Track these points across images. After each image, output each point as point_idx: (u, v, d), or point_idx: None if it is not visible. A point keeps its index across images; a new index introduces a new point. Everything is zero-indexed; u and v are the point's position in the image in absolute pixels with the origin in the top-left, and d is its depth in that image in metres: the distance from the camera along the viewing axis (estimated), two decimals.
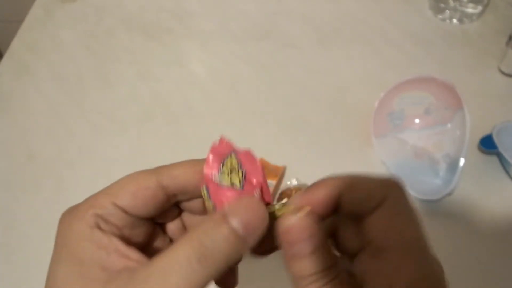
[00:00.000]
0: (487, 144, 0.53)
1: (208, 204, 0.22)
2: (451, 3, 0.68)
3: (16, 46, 0.77)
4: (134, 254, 0.21)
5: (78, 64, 0.73)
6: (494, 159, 0.54)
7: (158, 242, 0.25)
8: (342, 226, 0.24)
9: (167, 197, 0.23)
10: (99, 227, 0.21)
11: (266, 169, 0.55)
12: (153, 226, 0.25)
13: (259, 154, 0.62)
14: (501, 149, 0.51)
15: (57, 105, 0.68)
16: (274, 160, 0.56)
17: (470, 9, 0.68)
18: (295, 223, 0.21)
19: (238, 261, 0.21)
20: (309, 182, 0.57)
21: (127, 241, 0.22)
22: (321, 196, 0.22)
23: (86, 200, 0.23)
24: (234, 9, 0.77)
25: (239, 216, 0.20)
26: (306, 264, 0.20)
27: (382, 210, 0.21)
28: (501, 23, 0.68)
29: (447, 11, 0.69)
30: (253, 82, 0.67)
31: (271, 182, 0.54)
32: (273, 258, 0.50)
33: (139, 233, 0.23)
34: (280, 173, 0.55)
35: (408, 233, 0.21)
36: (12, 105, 0.69)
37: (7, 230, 0.56)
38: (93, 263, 0.20)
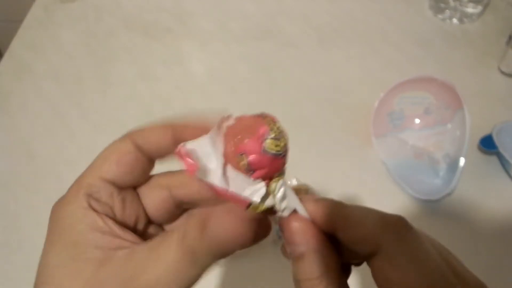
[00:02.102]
0: (487, 144, 0.53)
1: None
2: (451, 3, 0.68)
3: (16, 46, 0.77)
4: (129, 235, 0.21)
5: (78, 64, 0.73)
6: (494, 159, 0.54)
7: (151, 229, 0.25)
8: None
9: (148, 160, 0.24)
10: (92, 208, 0.21)
11: None
12: (144, 212, 0.25)
13: None
14: (501, 149, 0.51)
15: (57, 105, 0.68)
16: None
17: (470, 9, 0.68)
18: (298, 225, 0.21)
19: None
20: (309, 182, 0.58)
21: (121, 223, 0.22)
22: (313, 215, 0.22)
23: (74, 182, 0.23)
24: (234, 9, 0.77)
25: (216, 236, 0.19)
26: (308, 266, 0.20)
27: (379, 259, 0.19)
28: (501, 23, 0.68)
29: (447, 11, 0.69)
30: (253, 82, 0.67)
31: None
32: (272, 259, 0.50)
33: (130, 214, 0.23)
34: None
35: (411, 279, 0.19)
36: (12, 105, 0.69)
37: (7, 230, 0.56)
38: (88, 244, 0.20)
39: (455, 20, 0.69)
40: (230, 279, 0.48)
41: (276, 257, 0.47)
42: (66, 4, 0.82)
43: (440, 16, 0.70)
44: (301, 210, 0.22)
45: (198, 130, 0.24)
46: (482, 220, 0.50)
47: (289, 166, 0.61)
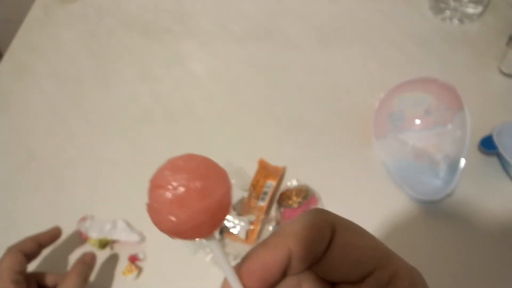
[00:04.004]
0: (487, 145, 0.53)
1: None
2: (452, 4, 0.68)
3: (16, 46, 0.77)
4: None
5: (78, 64, 0.73)
6: (494, 159, 0.54)
7: None
8: None
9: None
10: None
11: (266, 170, 0.55)
12: None
13: (259, 154, 0.63)
14: (501, 149, 0.51)
15: (57, 105, 0.68)
16: (274, 160, 0.56)
17: (470, 9, 0.68)
18: None
19: None
20: (309, 182, 0.58)
21: None
22: (262, 264, 0.18)
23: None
24: (234, 9, 0.77)
25: None
26: None
27: (341, 240, 0.18)
28: (501, 23, 0.68)
29: (447, 12, 0.69)
30: (253, 82, 0.67)
31: (271, 183, 0.53)
32: None
33: None
34: (280, 174, 0.55)
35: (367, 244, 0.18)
36: (12, 105, 0.69)
37: (7, 230, 0.56)
38: None
39: (455, 21, 0.69)
40: None
41: None
42: (66, 4, 0.82)
43: (440, 16, 0.70)
44: (232, 279, 0.18)
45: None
46: (482, 221, 0.50)
47: (289, 167, 0.61)
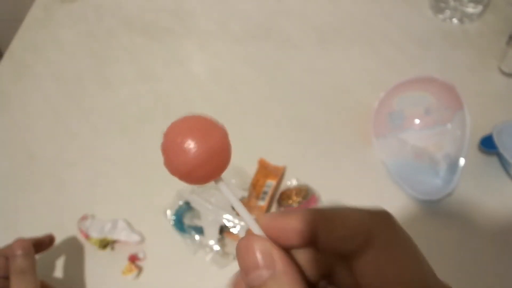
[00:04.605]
0: (487, 144, 0.53)
1: None
2: (452, 3, 0.68)
3: (16, 46, 0.77)
4: None
5: (78, 64, 0.73)
6: (494, 159, 0.54)
7: None
8: (337, 265, 0.20)
9: None
10: None
11: (266, 169, 0.55)
12: None
13: (259, 154, 0.63)
14: (501, 149, 0.51)
15: (57, 105, 0.68)
16: (274, 160, 0.56)
17: (471, 9, 0.68)
18: (260, 244, 0.18)
19: None
20: (309, 182, 0.58)
21: None
22: (290, 227, 0.19)
23: None
24: (234, 9, 0.77)
25: None
26: None
27: (371, 252, 0.18)
28: (501, 23, 0.68)
29: (447, 11, 0.69)
30: (253, 82, 0.67)
31: (271, 182, 0.53)
32: None
33: None
34: (280, 173, 0.55)
35: (407, 276, 0.18)
36: (12, 105, 0.69)
37: (7, 230, 0.56)
38: None
39: (455, 20, 0.69)
40: None
41: None
42: (66, 4, 0.82)
43: (440, 16, 0.70)
44: (256, 229, 0.19)
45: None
46: (482, 220, 0.50)
47: (289, 166, 0.61)
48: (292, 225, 0.19)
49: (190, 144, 0.18)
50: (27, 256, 0.42)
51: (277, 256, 0.18)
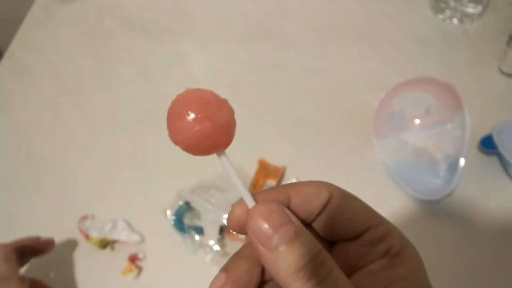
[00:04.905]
0: (487, 144, 0.53)
1: None
2: (452, 3, 0.68)
3: (16, 46, 0.77)
4: None
5: (78, 64, 0.73)
6: (494, 159, 0.54)
7: None
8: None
9: None
10: None
11: (266, 169, 0.55)
12: None
13: (259, 154, 0.63)
14: (501, 149, 0.51)
15: (57, 105, 0.68)
16: (274, 160, 0.56)
17: (470, 9, 0.68)
18: (275, 206, 0.19)
19: None
20: None
21: None
22: (280, 199, 0.20)
23: None
24: (234, 9, 0.77)
25: None
26: (291, 257, 0.18)
27: (337, 202, 0.21)
28: (501, 23, 0.68)
29: (447, 11, 0.69)
30: (253, 82, 0.67)
31: (271, 182, 0.54)
32: None
33: None
34: (280, 173, 0.55)
35: (362, 214, 0.21)
36: (12, 105, 0.69)
37: (7, 230, 0.56)
38: None
39: (455, 20, 0.69)
40: None
41: None
42: (66, 4, 0.82)
43: (440, 16, 0.70)
44: (252, 203, 0.20)
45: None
46: (482, 220, 0.50)
47: (289, 166, 0.61)
48: (280, 198, 0.20)
49: (195, 115, 0.19)
50: (7, 262, 0.41)
51: (292, 214, 0.19)
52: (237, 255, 0.21)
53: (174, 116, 0.20)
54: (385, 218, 0.21)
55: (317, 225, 0.21)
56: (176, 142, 0.20)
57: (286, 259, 0.18)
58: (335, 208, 0.21)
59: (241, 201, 0.20)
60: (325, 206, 0.21)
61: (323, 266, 0.18)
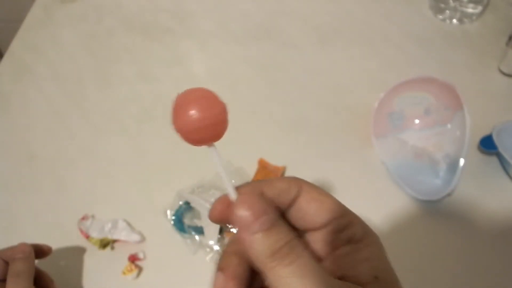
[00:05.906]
0: (487, 145, 0.53)
1: None
2: (451, 3, 0.68)
3: (16, 46, 0.77)
4: None
5: (78, 64, 0.73)
6: (494, 159, 0.54)
7: None
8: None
9: None
10: None
11: (266, 169, 0.55)
12: None
13: (259, 154, 0.63)
14: (501, 149, 0.51)
15: (57, 105, 0.68)
16: (274, 160, 0.56)
17: (470, 9, 0.68)
18: (250, 202, 0.21)
19: None
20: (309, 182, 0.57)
21: None
22: (247, 191, 0.23)
23: None
24: (234, 9, 0.77)
25: None
26: (283, 231, 0.21)
27: (306, 196, 0.23)
28: (501, 23, 0.68)
29: (447, 11, 0.69)
30: (253, 82, 0.67)
31: None
32: None
33: None
34: (280, 173, 0.55)
35: (329, 205, 0.23)
36: (12, 105, 0.69)
37: (7, 230, 0.56)
38: None
39: (455, 20, 0.69)
40: None
41: None
42: (66, 4, 0.82)
43: (440, 16, 0.70)
44: (235, 195, 0.22)
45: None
46: (482, 220, 0.50)
47: (289, 166, 0.61)
48: (254, 192, 0.23)
49: (195, 110, 0.23)
50: (26, 260, 0.43)
51: (270, 205, 0.22)
52: (226, 253, 0.23)
53: (177, 108, 0.24)
54: (349, 209, 0.24)
55: (290, 215, 0.24)
56: (176, 130, 0.23)
57: (263, 243, 0.20)
58: (304, 201, 0.23)
59: (221, 196, 0.23)
60: (294, 200, 0.23)
61: (295, 250, 0.20)
